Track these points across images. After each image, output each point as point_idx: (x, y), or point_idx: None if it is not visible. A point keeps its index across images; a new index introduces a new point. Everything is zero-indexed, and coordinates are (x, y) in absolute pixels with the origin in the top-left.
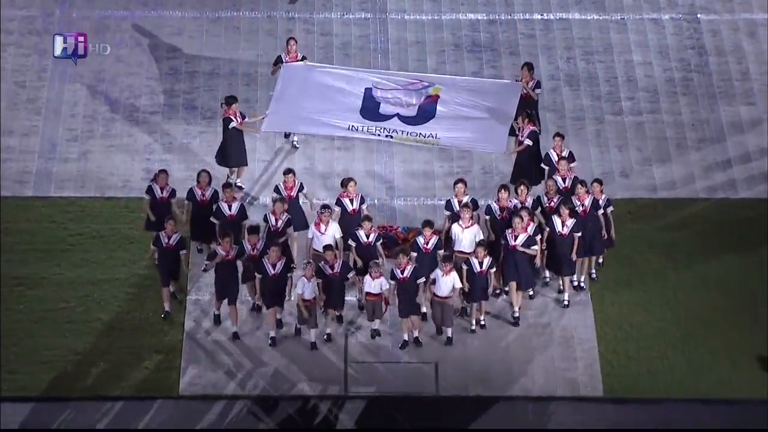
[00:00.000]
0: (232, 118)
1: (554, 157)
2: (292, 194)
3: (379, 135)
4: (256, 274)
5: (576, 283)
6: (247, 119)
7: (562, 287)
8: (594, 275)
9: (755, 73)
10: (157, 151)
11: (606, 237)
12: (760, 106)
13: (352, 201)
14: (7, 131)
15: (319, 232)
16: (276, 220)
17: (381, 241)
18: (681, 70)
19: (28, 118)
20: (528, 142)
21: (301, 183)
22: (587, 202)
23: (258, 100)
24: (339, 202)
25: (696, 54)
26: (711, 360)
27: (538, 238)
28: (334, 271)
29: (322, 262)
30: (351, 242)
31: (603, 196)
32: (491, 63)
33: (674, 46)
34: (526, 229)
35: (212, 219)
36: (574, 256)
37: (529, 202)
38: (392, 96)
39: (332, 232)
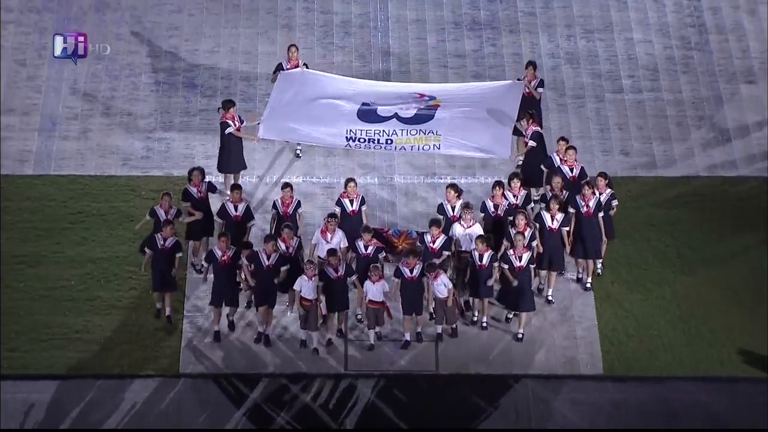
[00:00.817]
0: (230, 122)
1: (557, 160)
2: (288, 210)
3: (378, 140)
4: (248, 264)
5: (587, 284)
6: (245, 123)
7: (548, 283)
8: (600, 271)
9: (755, 51)
10: (157, 129)
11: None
12: (760, 84)
13: (352, 202)
14: (7, 109)
15: (325, 240)
16: (287, 247)
17: (383, 254)
18: (681, 48)
19: (28, 96)
20: (531, 143)
21: (299, 201)
22: (592, 203)
23: (258, 77)
24: (339, 203)
25: (696, 32)
26: (711, 338)
27: (535, 243)
28: (338, 274)
29: (326, 265)
30: (351, 253)
31: (608, 191)
32: (491, 41)
33: (674, 23)
34: (522, 230)
35: (217, 218)
36: (567, 249)
37: (522, 194)
38: (390, 104)
39: (337, 240)
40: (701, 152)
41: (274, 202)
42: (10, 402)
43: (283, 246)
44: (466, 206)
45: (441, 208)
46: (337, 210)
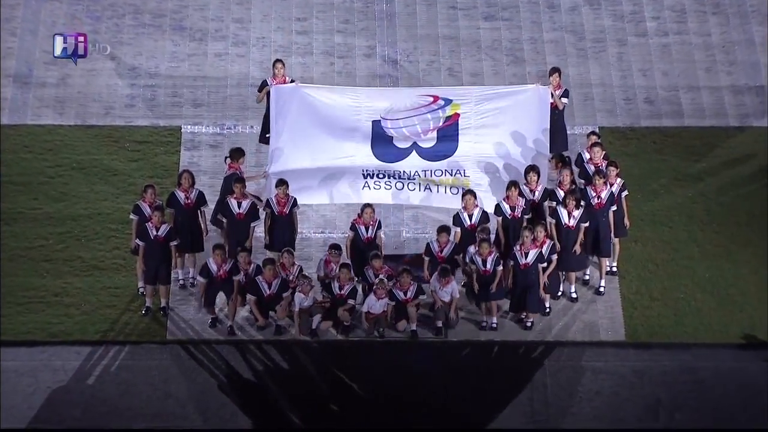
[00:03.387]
0: (239, 174)
1: (586, 156)
2: (284, 210)
3: (401, 181)
4: (249, 296)
5: (600, 287)
6: (245, 174)
7: (568, 279)
8: (615, 269)
9: None
10: (143, 75)
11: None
12: None
13: (367, 228)
14: None
15: (330, 271)
16: (287, 275)
17: (393, 281)
18: None
19: (2, 39)
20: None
21: (295, 199)
22: (604, 194)
23: (251, 20)
24: (353, 228)
25: None
26: (741, 300)
27: (554, 257)
28: (342, 292)
29: (334, 281)
30: (362, 281)
31: (618, 181)
32: None
33: None
34: (541, 244)
35: (218, 217)
36: (578, 249)
37: (540, 189)
38: (405, 125)
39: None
40: (732, 100)
41: (268, 201)
42: None
43: (282, 273)
44: (483, 230)
45: (457, 218)
46: (350, 234)
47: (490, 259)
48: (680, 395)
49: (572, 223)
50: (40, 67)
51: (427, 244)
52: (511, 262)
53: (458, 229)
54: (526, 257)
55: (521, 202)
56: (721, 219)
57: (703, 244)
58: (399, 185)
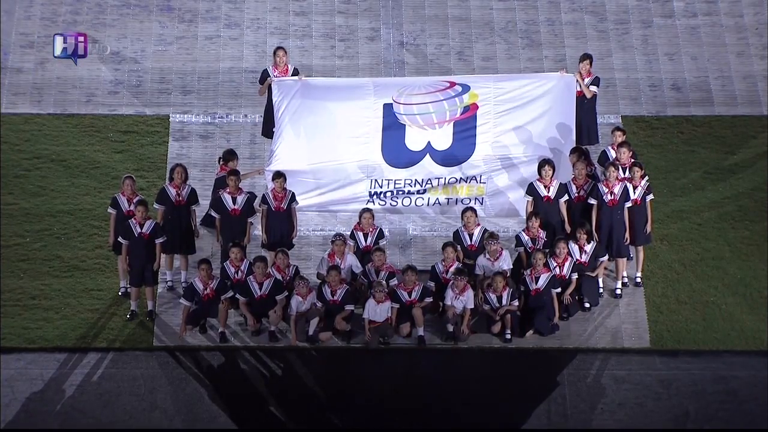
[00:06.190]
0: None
1: (611, 154)
2: (282, 206)
3: (409, 197)
4: (239, 296)
5: (617, 290)
6: (242, 173)
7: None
8: (639, 279)
9: None
10: (127, 60)
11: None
12: None
13: (366, 236)
14: None
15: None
16: (282, 277)
17: (394, 281)
18: None
19: None
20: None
21: (293, 193)
22: (617, 189)
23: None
24: (352, 236)
25: None
26: None
27: (575, 277)
28: (335, 298)
29: (325, 285)
30: (362, 278)
31: (643, 182)
32: None
33: None
34: (563, 261)
35: (211, 212)
36: (591, 274)
37: (555, 185)
38: (419, 111)
39: (348, 265)
40: (766, 87)
41: (264, 196)
42: None
43: (277, 275)
44: (492, 236)
45: (456, 236)
46: (351, 243)
47: (505, 295)
48: (710, 407)
49: (585, 258)
50: (16, 51)
51: (432, 267)
52: (521, 287)
53: (458, 247)
54: (536, 282)
55: (542, 234)
56: (754, 215)
57: (734, 243)
58: (406, 201)
